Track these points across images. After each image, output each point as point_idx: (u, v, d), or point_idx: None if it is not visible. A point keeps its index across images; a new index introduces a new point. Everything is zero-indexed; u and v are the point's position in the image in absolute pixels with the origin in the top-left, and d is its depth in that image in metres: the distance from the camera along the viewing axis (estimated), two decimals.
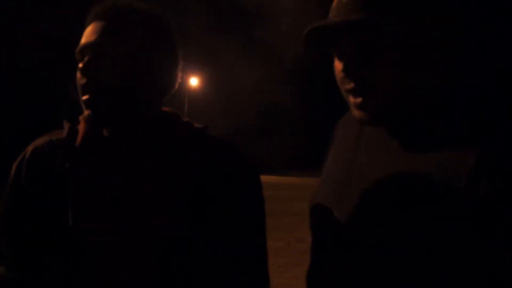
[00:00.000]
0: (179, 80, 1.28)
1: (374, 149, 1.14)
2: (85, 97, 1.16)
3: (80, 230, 1.17)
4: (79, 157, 1.21)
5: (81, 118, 1.27)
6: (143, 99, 1.22)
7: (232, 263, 1.21)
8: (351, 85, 1.07)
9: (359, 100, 1.08)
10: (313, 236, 1.26)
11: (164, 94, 1.25)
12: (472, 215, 0.94)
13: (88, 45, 1.18)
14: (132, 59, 1.19)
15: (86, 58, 1.16)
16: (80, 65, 1.16)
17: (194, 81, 40.63)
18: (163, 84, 1.24)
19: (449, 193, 0.97)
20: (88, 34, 1.19)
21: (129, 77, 1.19)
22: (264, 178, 1.55)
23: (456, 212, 0.96)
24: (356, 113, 1.10)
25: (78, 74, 1.18)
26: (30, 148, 1.26)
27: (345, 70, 1.07)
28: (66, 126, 1.27)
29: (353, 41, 1.06)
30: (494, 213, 0.93)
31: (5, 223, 1.25)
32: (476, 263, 0.94)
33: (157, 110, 1.27)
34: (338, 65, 1.11)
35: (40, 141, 1.27)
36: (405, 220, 1.01)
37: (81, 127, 1.26)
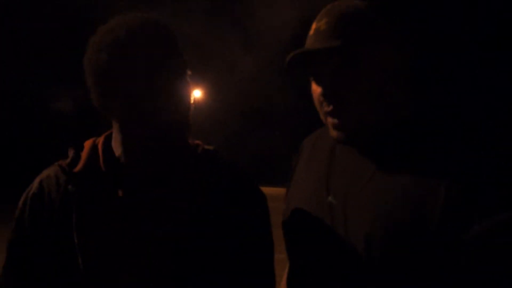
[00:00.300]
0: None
1: (347, 174, 1.18)
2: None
3: (85, 252, 1.18)
4: (81, 179, 1.23)
5: (86, 143, 1.30)
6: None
7: (241, 280, 1.21)
8: (330, 107, 1.14)
9: (336, 121, 1.14)
10: (289, 259, 1.32)
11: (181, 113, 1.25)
12: (442, 250, 0.98)
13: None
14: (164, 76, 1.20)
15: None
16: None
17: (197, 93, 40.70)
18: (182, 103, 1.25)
19: (420, 228, 1.01)
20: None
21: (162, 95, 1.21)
22: (267, 189, 1.54)
23: (428, 249, 0.99)
24: (334, 133, 1.16)
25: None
26: (37, 180, 1.30)
27: (323, 93, 1.14)
28: (71, 153, 1.30)
29: (331, 66, 1.13)
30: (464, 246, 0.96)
31: (11, 254, 1.28)
32: None
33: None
34: (316, 88, 1.17)
35: (46, 172, 1.31)
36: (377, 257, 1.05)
37: (85, 152, 1.28)
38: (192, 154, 1.28)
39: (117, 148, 1.27)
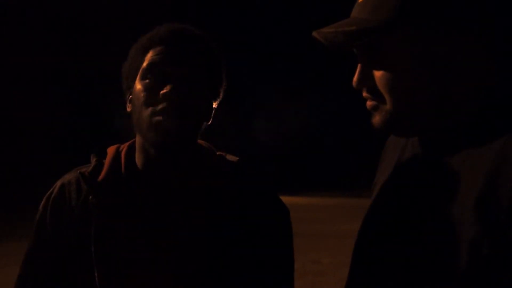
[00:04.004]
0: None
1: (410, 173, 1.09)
2: (160, 119, 1.15)
3: (102, 264, 1.18)
4: (103, 190, 1.22)
5: (109, 150, 1.30)
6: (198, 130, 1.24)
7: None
8: (365, 89, 1.04)
9: (373, 104, 1.04)
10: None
11: (202, 126, 1.26)
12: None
13: (171, 72, 1.18)
14: (205, 88, 1.22)
15: (170, 86, 1.16)
16: (166, 89, 1.16)
17: None
18: (208, 115, 1.26)
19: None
20: (162, 60, 1.19)
21: (205, 106, 1.22)
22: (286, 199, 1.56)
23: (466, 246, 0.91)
24: (372, 120, 1.05)
25: (155, 96, 1.17)
26: (58, 184, 1.29)
27: (359, 73, 1.04)
28: (93, 160, 1.29)
29: (366, 45, 1.02)
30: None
31: (31, 257, 1.27)
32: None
33: (195, 142, 1.28)
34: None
35: (67, 176, 1.30)
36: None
37: (107, 160, 1.27)
38: (214, 165, 1.27)
39: (139, 157, 1.25)
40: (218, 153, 1.31)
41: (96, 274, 1.16)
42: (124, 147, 1.30)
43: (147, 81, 1.18)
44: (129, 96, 1.24)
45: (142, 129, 1.17)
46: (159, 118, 1.14)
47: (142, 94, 1.17)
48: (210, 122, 1.27)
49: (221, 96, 1.28)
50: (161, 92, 1.15)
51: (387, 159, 1.22)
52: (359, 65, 1.05)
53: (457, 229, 0.92)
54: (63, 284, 1.21)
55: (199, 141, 1.29)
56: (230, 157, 1.31)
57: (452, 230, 0.92)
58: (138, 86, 1.19)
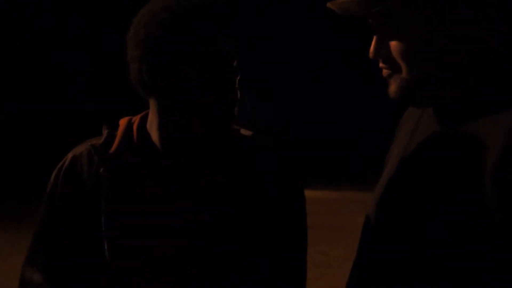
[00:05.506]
0: None
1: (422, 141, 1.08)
2: (197, 121, 1.17)
3: (112, 237, 1.18)
4: (115, 162, 1.22)
5: (121, 122, 1.28)
6: None
7: (273, 263, 1.21)
8: (381, 59, 1.04)
9: (388, 72, 1.04)
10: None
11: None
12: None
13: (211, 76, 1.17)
14: (235, 77, 1.21)
15: (211, 92, 1.16)
16: (209, 96, 1.17)
17: None
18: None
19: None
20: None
21: (236, 97, 1.22)
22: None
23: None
24: (388, 89, 1.05)
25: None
26: (69, 156, 1.28)
27: (375, 43, 1.04)
28: (105, 132, 1.27)
29: (380, 13, 1.01)
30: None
31: (42, 228, 1.28)
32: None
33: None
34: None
35: (79, 148, 1.29)
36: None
37: (119, 132, 1.26)
38: (228, 138, 1.26)
39: (153, 132, 1.24)
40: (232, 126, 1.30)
41: (106, 246, 1.17)
42: (136, 119, 1.28)
43: (181, 72, 1.16)
44: (141, 66, 1.19)
45: (174, 117, 1.17)
46: (196, 120, 1.16)
47: (179, 85, 1.16)
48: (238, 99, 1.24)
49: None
50: (203, 97, 1.15)
51: (401, 134, 1.22)
52: (374, 36, 1.05)
53: (472, 198, 0.92)
54: (74, 256, 1.22)
55: None
56: (244, 131, 1.30)
57: (467, 200, 0.92)
58: (173, 71, 1.16)
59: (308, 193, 1.39)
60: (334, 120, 18.36)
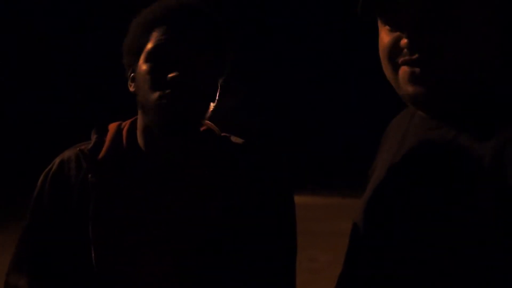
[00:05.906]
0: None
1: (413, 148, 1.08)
2: (168, 103, 1.14)
3: (99, 244, 1.17)
4: (103, 168, 1.21)
5: (110, 127, 1.27)
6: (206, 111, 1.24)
7: (261, 268, 1.21)
8: (415, 56, 1.00)
9: (418, 70, 1.00)
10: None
11: (209, 107, 1.25)
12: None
13: (178, 56, 1.15)
14: (213, 68, 1.21)
15: (178, 70, 1.14)
16: (175, 73, 1.14)
17: None
18: (215, 96, 1.25)
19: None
20: (169, 43, 1.16)
21: (212, 87, 1.21)
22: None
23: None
24: (409, 89, 1.02)
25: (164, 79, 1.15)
26: (57, 160, 1.27)
27: (409, 37, 0.99)
28: (93, 137, 1.26)
29: (419, 7, 0.98)
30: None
31: (28, 233, 1.26)
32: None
33: (201, 124, 1.27)
34: (386, 36, 1.04)
35: (67, 153, 1.28)
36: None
37: (108, 137, 1.25)
38: (217, 146, 1.26)
39: (139, 136, 1.24)
40: (222, 134, 1.30)
41: (92, 253, 1.15)
42: (126, 124, 1.28)
43: (153, 63, 1.16)
44: (130, 74, 1.23)
45: (148, 111, 1.17)
46: (167, 102, 1.13)
47: (148, 77, 1.16)
48: (215, 102, 1.25)
49: (226, 73, 1.27)
50: (169, 76, 1.13)
51: (388, 142, 1.22)
52: (408, 28, 1.01)
53: (468, 201, 0.92)
54: (59, 263, 1.20)
55: (206, 122, 1.28)
56: (234, 139, 1.30)
57: (462, 204, 0.92)
58: (143, 67, 1.17)
59: (297, 199, 1.40)
60: (322, 127, 18.41)
